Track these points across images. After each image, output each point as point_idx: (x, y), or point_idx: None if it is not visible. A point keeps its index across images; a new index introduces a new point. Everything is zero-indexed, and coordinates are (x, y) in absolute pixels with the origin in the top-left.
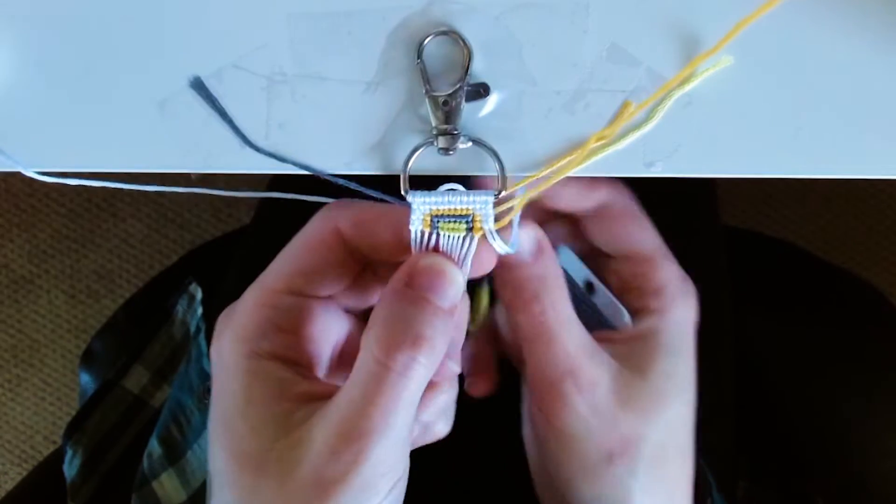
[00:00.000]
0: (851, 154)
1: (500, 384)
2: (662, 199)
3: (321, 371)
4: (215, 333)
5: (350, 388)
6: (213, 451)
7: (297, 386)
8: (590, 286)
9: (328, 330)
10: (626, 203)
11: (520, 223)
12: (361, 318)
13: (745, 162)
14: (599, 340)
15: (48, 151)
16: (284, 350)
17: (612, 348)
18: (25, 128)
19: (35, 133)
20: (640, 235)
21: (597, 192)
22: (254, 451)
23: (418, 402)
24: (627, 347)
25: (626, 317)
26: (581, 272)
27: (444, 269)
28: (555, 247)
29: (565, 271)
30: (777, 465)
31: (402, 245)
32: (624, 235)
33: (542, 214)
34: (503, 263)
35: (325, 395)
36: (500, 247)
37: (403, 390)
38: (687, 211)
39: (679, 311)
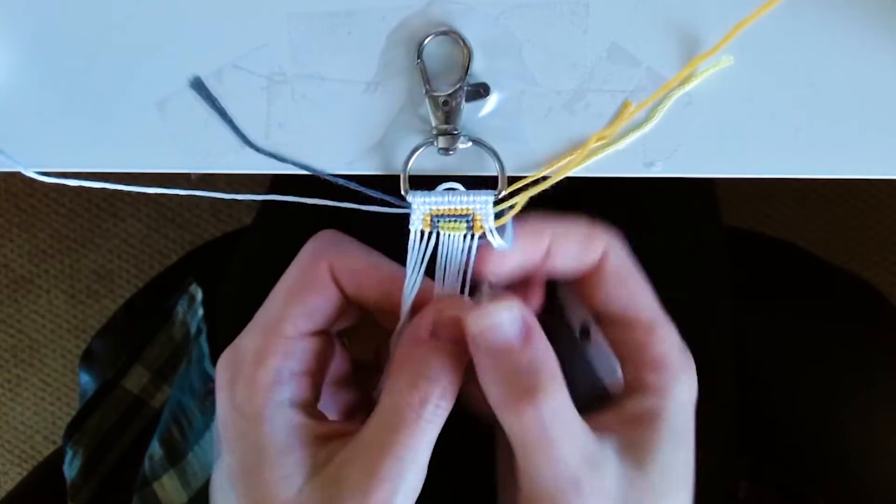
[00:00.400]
0: (851, 154)
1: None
2: (663, 199)
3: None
4: (224, 381)
5: (378, 430)
6: (226, 496)
7: (314, 428)
8: (585, 332)
9: (328, 363)
10: (625, 259)
11: (500, 297)
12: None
13: (745, 162)
14: (595, 427)
15: (48, 151)
16: (300, 394)
17: (611, 437)
18: (25, 128)
19: (35, 133)
20: (640, 298)
21: (596, 245)
22: (285, 497)
23: (436, 435)
24: (626, 435)
25: (620, 373)
26: (579, 313)
27: (466, 315)
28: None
29: (562, 312)
30: (777, 465)
31: (391, 301)
32: (622, 297)
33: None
34: (485, 348)
35: (339, 435)
36: (500, 245)
37: (430, 433)
38: (687, 211)
39: (681, 389)
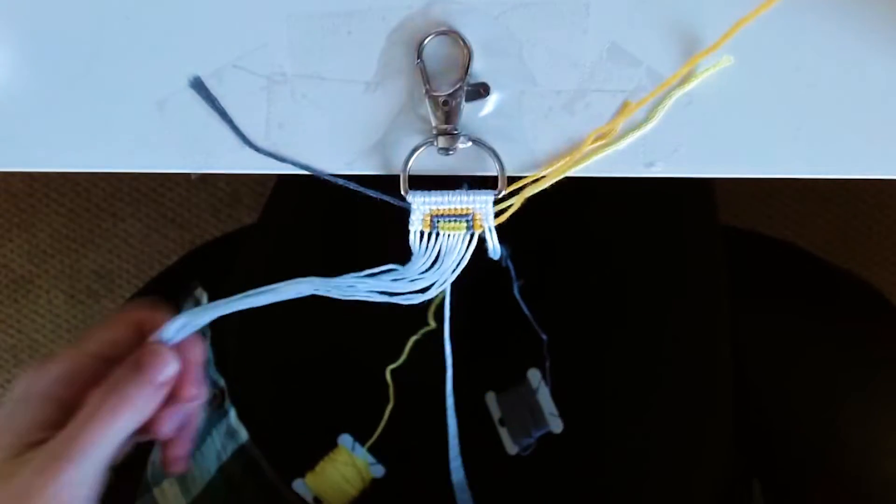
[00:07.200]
0: (851, 154)
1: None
2: (659, 199)
3: None
4: (23, 372)
5: (71, 423)
6: None
7: (55, 418)
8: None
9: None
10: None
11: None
12: None
13: (745, 162)
14: None
15: (48, 151)
16: (68, 399)
17: None
18: (25, 128)
19: (35, 133)
20: None
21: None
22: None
23: (119, 439)
24: None
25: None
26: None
27: (162, 353)
28: None
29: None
30: (777, 465)
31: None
32: None
33: None
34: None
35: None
36: (495, 247)
37: (105, 429)
38: (684, 211)
39: None
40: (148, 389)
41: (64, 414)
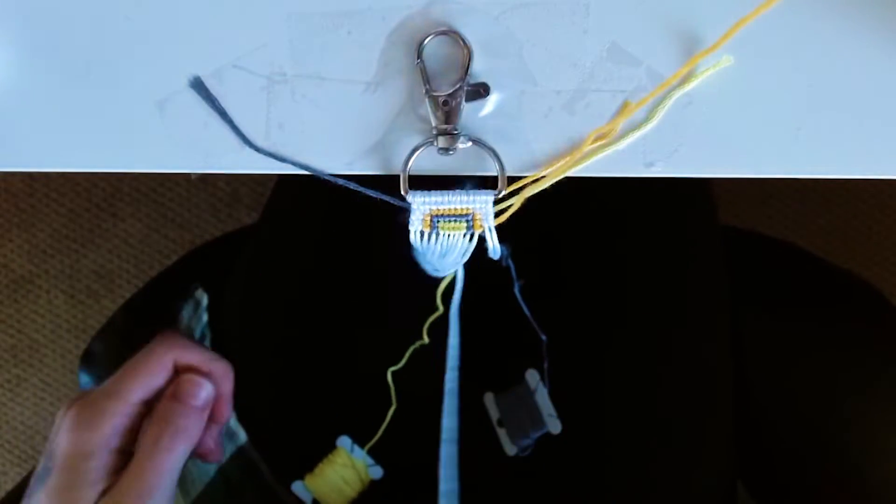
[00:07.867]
0: (851, 154)
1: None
2: (660, 199)
3: None
4: (73, 422)
5: (134, 462)
6: (39, 499)
7: (118, 464)
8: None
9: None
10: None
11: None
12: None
13: (745, 162)
14: None
15: (48, 151)
16: (121, 443)
17: None
18: (25, 128)
19: (35, 133)
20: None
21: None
22: None
23: (179, 467)
24: None
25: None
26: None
27: (198, 381)
28: None
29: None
30: (777, 466)
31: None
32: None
33: None
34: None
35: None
36: (495, 247)
37: (168, 462)
38: (684, 211)
39: None
40: (193, 417)
41: (122, 458)
